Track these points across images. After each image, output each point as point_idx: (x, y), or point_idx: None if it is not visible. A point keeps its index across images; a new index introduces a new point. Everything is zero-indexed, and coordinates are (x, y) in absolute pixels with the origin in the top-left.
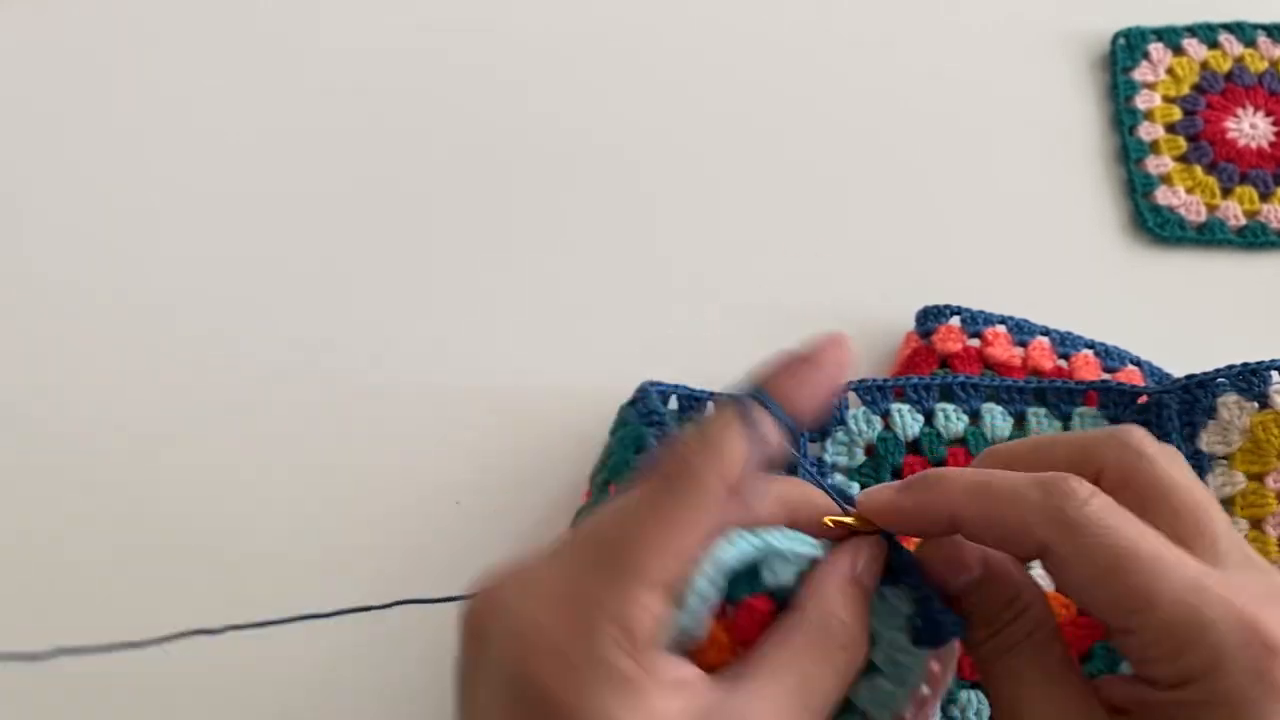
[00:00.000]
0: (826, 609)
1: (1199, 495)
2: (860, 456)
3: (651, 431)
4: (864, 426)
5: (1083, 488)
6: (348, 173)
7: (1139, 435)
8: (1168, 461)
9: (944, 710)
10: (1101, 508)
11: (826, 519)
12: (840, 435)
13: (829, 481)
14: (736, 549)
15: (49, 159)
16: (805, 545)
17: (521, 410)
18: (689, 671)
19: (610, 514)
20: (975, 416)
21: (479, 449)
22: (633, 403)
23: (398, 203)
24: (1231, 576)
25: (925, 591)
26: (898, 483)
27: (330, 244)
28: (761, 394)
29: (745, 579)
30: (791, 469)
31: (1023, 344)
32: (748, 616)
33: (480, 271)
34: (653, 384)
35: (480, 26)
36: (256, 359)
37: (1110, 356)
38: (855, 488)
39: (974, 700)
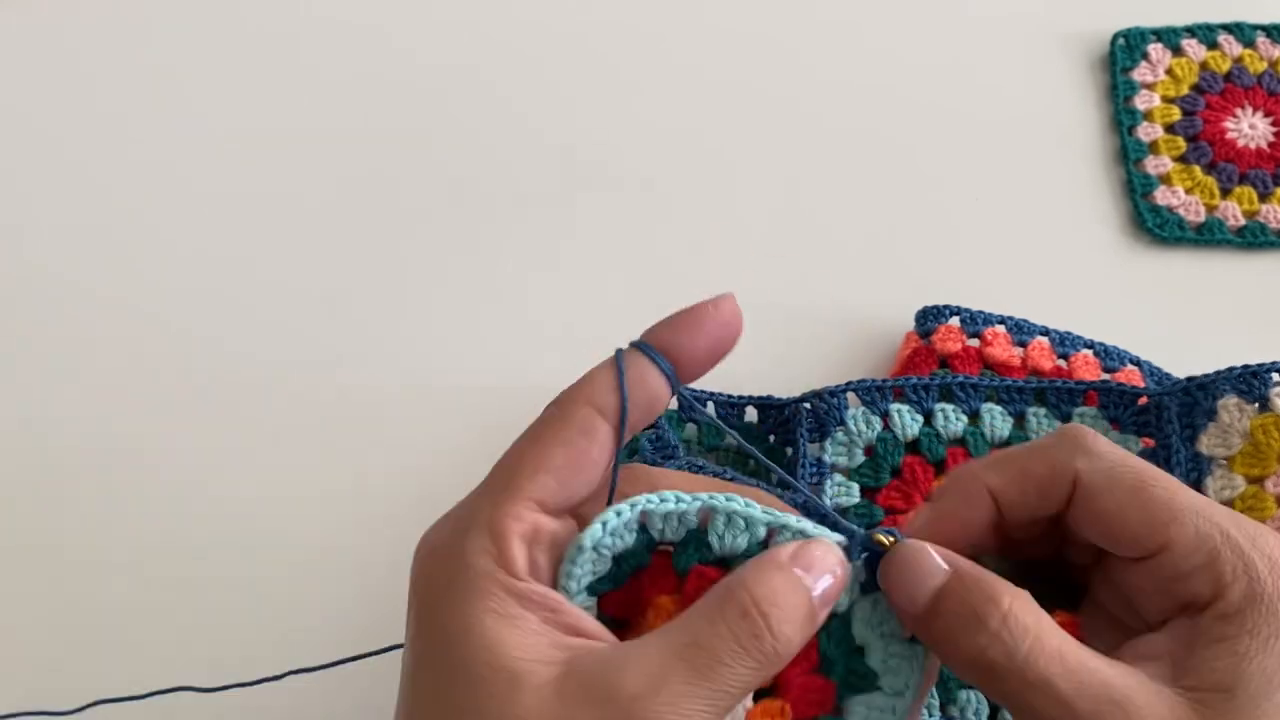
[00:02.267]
0: (746, 580)
1: (1168, 483)
2: (860, 457)
3: (647, 433)
4: (863, 427)
5: (1084, 426)
6: (346, 174)
7: (1090, 435)
8: (1126, 455)
9: (943, 711)
10: (1103, 439)
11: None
12: (840, 435)
13: (829, 481)
14: (663, 499)
15: (47, 158)
16: (757, 511)
17: (521, 411)
18: (591, 624)
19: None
20: (975, 416)
21: (479, 450)
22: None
23: (396, 205)
24: (1217, 505)
25: None
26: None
27: (327, 246)
28: (640, 344)
29: (693, 545)
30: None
31: (1022, 344)
32: (695, 585)
33: (479, 272)
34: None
35: (481, 26)
36: (253, 360)
37: (1110, 356)
38: (855, 488)
39: (973, 700)
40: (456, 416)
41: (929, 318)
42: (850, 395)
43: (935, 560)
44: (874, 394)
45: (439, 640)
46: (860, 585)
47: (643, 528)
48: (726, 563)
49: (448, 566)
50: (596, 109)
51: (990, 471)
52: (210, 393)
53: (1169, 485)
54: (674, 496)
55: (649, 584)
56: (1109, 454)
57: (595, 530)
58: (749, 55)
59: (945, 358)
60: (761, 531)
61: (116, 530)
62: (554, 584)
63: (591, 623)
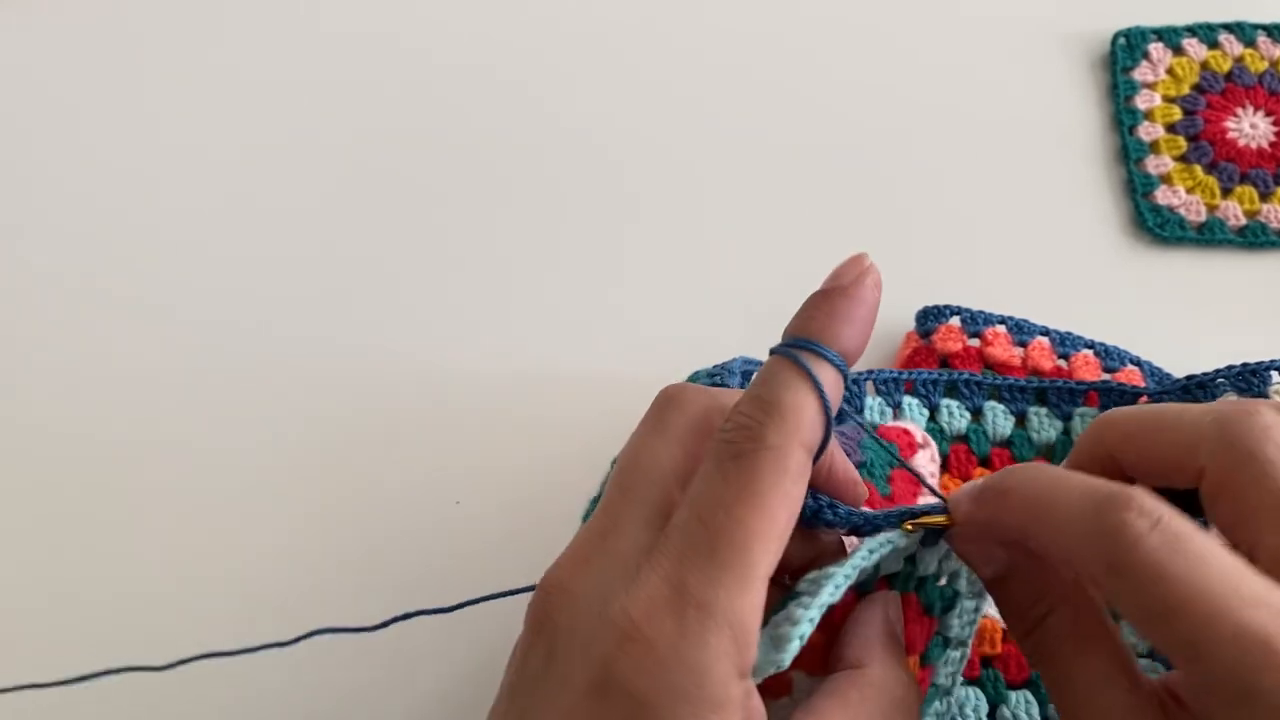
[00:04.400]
0: (890, 671)
1: None
2: None
3: None
4: (877, 418)
5: (1140, 520)
6: (349, 173)
7: (1253, 430)
8: None
9: (993, 714)
10: (1157, 548)
11: (906, 524)
12: (863, 422)
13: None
14: (834, 583)
15: (47, 158)
16: (884, 541)
17: (521, 410)
18: (757, 703)
19: (692, 500)
20: (977, 414)
21: (478, 448)
22: (711, 374)
23: (395, 205)
24: None
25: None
26: (979, 484)
27: (330, 245)
28: (810, 342)
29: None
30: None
31: (1023, 344)
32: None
33: (477, 273)
34: (746, 361)
35: (492, 22)
36: (255, 359)
37: (1110, 356)
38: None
39: (972, 697)
40: (458, 415)
41: (929, 317)
42: (869, 384)
43: (995, 548)
44: (889, 385)
45: None
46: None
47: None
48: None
49: (675, 673)
50: (600, 107)
51: (1026, 515)
52: (208, 394)
53: (1206, 614)
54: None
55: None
56: (1137, 569)
57: (831, 590)
58: (750, 55)
59: (946, 357)
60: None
61: (111, 526)
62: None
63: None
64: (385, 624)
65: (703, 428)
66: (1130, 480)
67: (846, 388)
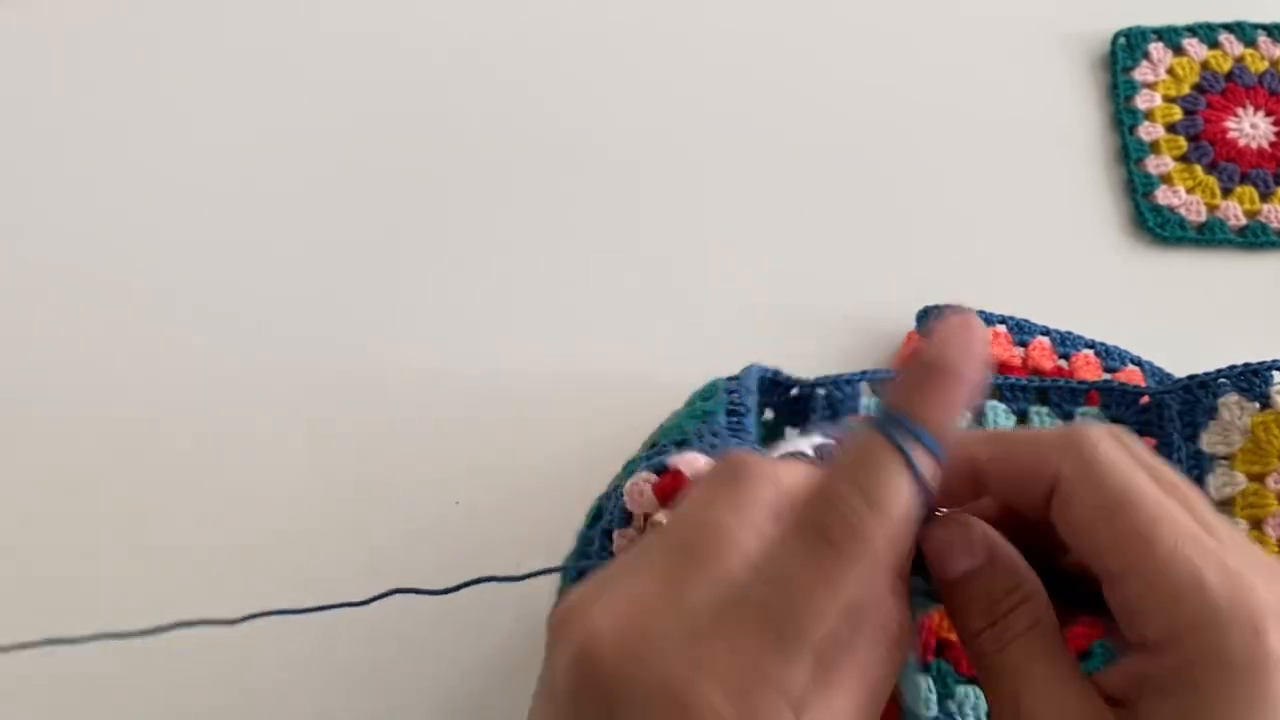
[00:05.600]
0: (887, 610)
1: (1155, 510)
2: None
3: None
4: None
5: (1095, 430)
6: (350, 167)
7: (1091, 440)
8: (1126, 471)
9: (940, 705)
10: (1113, 448)
11: None
12: (851, 424)
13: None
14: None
15: (47, 158)
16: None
17: (520, 410)
18: None
19: (768, 577)
20: (978, 413)
21: (478, 448)
22: (729, 389)
23: (396, 200)
24: (1225, 543)
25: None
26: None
27: (329, 240)
28: (911, 424)
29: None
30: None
31: (1023, 344)
32: None
33: (476, 272)
34: (761, 369)
35: (500, 19)
36: (254, 355)
37: (1110, 356)
38: None
39: (970, 695)
40: (458, 414)
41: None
42: (864, 385)
43: (978, 541)
44: (887, 385)
45: None
46: None
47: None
48: None
49: None
50: (600, 106)
51: (985, 442)
52: (208, 389)
53: (1156, 510)
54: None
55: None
56: (1101, 460)
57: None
58: (749, 54)
59: None
60: None
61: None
62: None
63: None
64: (458, 587)
65: (775, 510)
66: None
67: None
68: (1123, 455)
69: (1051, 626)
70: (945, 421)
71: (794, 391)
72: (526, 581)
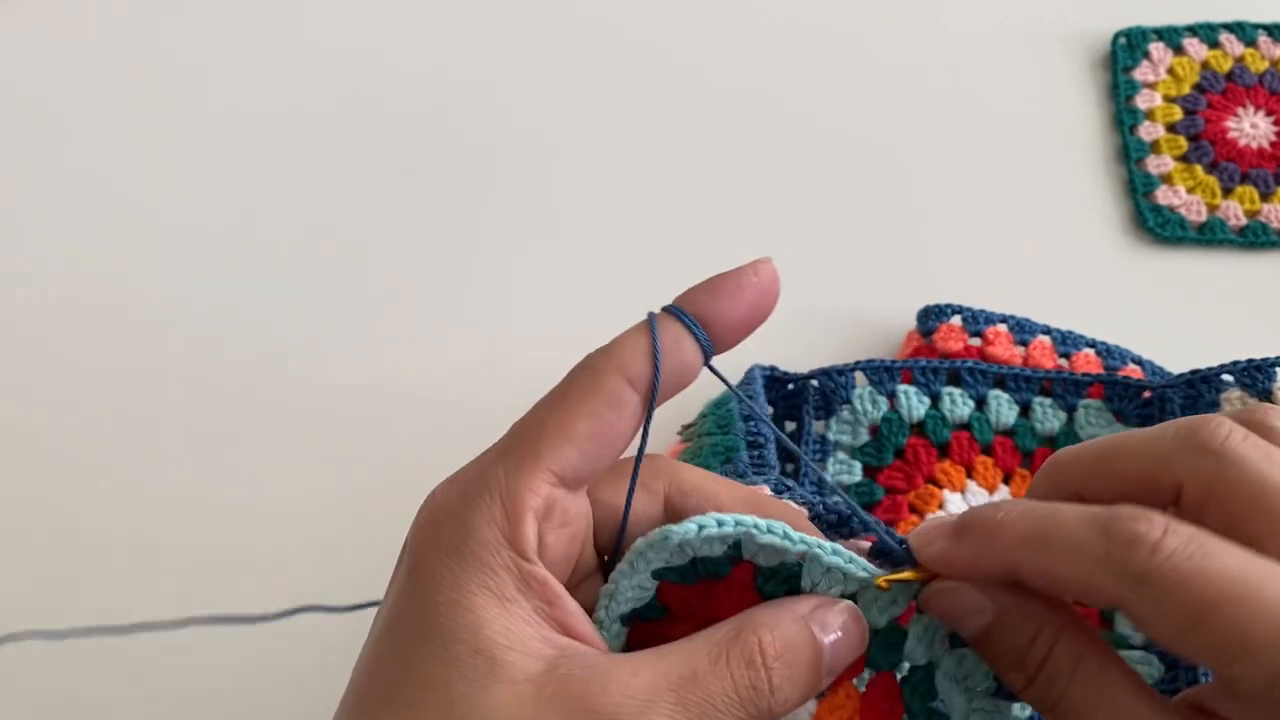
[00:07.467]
0: (759, 626)
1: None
2: (864, 436)
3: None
4: (869, 406)
5: (1151, 528)
6: (348, 170)
7: (1217, 434)
8: (1261, 458)
9: None
10: (1176, 550)
11: (880, 580)
12: (845, 414)
13: (832, 459)
14: (770, 529)
15: (47, 157)
16: (856, 569)
17: (519, 409)
18: (585, 627)
19: (527, 412)
20: (981, 403)
21: (477, 448)
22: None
23: (398, 205)
24: None
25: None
26: (950, 523)
27: (327, 247)
28: (675, 309)
29: (780, 579)
30: (838, 523)
31: (1024, 343)
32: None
33: (475, 272)
34: (764, 369)
35: (489, 28)
36: (249, 357)
37: (1111, 355)
38: (857, 467)
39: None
40: (456, 413)
41: (930, 317)
42: (858, 375)
43: (977, 598)
44: (882, 374)
45: (423, 607)
46: (949, 639)
47: (735, 544)
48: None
49: (450, 531)
50: (599, 108)
51: (1023, 550)
52: (201, 392)
53: (1246, 607)
54: (781, 531)
55: (724, 595)
56: (1163, 576)
57: (689, 530)
58: (750, 54)
59: (947, 356)
60: (853, 587)
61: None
62: (598, 557)
63: (586, 624)
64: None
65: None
66: None
67: (705, 349)
68: (1191, 550)
69: (1102, 655)
70: (698, 300)
71: (790, 387)
72: None
